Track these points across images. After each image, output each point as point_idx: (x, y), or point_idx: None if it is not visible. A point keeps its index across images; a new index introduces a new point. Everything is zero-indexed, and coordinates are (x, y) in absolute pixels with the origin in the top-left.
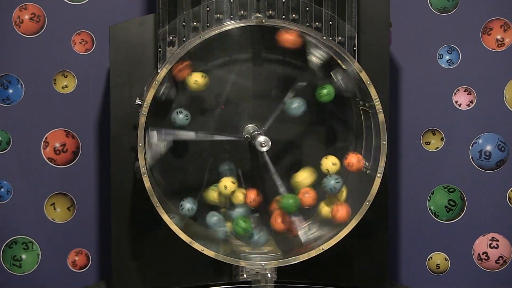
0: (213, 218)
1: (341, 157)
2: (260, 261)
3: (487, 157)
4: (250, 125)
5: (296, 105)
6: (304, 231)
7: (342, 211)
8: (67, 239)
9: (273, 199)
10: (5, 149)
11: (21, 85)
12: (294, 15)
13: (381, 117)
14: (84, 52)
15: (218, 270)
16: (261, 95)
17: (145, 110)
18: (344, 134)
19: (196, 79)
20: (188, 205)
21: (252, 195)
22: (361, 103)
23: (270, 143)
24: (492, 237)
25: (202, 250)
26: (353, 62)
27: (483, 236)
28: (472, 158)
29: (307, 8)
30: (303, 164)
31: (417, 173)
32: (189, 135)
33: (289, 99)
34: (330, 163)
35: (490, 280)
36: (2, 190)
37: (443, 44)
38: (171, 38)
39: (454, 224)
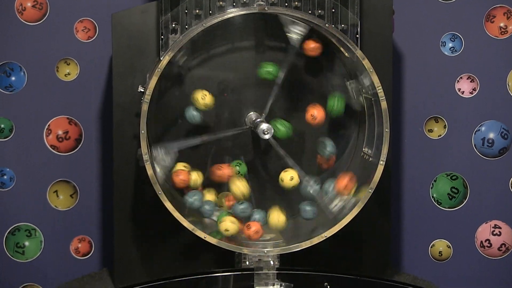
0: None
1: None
2: (263, 248)
3: (490, 145)
4: (252, 113)
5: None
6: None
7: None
8: (70, 226)
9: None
10: (8, 137)
11: (24, 72)
12: (296, 3)
13: (383, 104)
14: (87, 40)
15: (221, 257)
16: (263, 83)
17: (147, 97)
18: (347, 122)
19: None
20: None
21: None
22: (363, 90)
23: (273, 130)
24: (495, 225)
25: (204, 237)
26: (356, 49)
27: (486, 223)
28: (475, 145)
29: None
30: (305, 152)
31: (419, 160)
32: (194, 141)
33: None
34: (288, 177)
35: (492, 267)
36: (5, 177)
37: (446, 32)
38: (173, 25)
39: (456, 211)
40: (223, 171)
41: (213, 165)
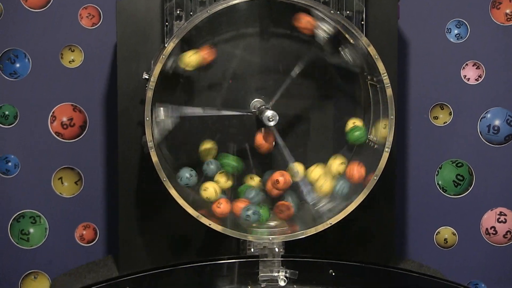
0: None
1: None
2: (268, 235)
3: (495, 132)
4: (257, 99)
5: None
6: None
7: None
8: (75, 213)
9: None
10: (12, 124)
11: (28, 59)
12: None
13: (389, 91)
14: (91, 27)
15: (226, 244)
16: (268, 70)
17: (152, 84)
18: (352, 109)
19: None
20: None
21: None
22: (369, 77)
23: (278, 118)
24: (500, 212)
25: (209, 224)
26: (361, 36)
27: (491, 210)
28: (480, 132)
29: None
30: (310, 139)
31: (425, 147)
32: (197, 111)
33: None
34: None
35: (498, 254)
36: (10, 164)
37: (451, 18)
38: (178, 12)
39: (462, 198)
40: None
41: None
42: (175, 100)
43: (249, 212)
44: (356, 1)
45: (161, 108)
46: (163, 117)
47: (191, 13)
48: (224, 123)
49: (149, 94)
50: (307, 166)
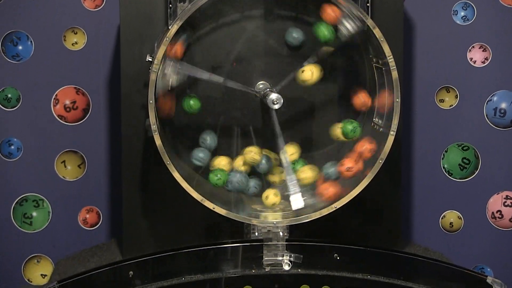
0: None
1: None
2: (272, 219)
3: (502, 115)
4: (261, 82)
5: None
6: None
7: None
8: (78, 196)
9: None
10: (15, 106)
11: (31, 41)
12: None
13: (394, 74)
14: (94, 9)
15: (229, 228)
16: (272, 53)
17: (155, 67)
18: (357, 92)
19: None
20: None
21: None
22: (374, 60)
23: (282, 101)
24: (506, 196)
25: (213, 208)
26: (366, 18)
27: (497, 194)
28: (486, 115)
29: None
30: (314, 123)
31: (431, 131)
32: (204, 75)
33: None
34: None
35: (504, 238)
36: (12, 147)
37: (458, 0)
38: None
39: (468, 182)
40: None
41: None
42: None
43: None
44: None
45: (171, 62)
46: (170, 71)
47: None
48: (227, 106)
49: (153, 76)
50: (305, 150)
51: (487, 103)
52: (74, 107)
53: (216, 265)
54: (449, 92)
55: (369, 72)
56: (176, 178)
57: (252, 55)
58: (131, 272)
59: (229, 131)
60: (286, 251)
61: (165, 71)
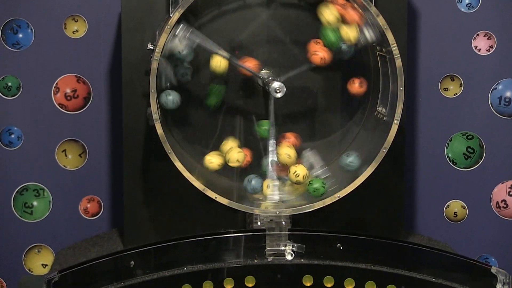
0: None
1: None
2: (275, 208)
3: (506, 103)
4: (264, 71)
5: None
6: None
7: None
8: (79, 186)
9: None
10: (15, 95)
11: (31, 29)
12: None
13: (398, 62)
14: None
15: (232, 218)
16: (275, 40)
17: (157, 55)
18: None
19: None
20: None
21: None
22: (378, 48)
23: (285, 89)
24: (511, 185)
25: (215, 197)
26: (370, 6)
27: (502, 183)
28: (491, 104)
29: None
30: (318, 110)
31: (435, 119)
32: (213, 47)
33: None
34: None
35: (508, 228)
36: (13, 136)
37: None
38: None
39: (472, 171)
40: None
41: None
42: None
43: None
44: None
45: (184, 26)
46: (180, 35)
47: None
48: (230, 95)
49: (154, 65)
50: (307, 139)
51: (491, 91)
52: (75, 96)
53: (218, 255)
54: (454, 80)
55: (372, 60)
56: (178, 168)
57: (255, 44)
58: (132, 262)
59: (231, 120)
60: (288, 241)
61: (175, 33)
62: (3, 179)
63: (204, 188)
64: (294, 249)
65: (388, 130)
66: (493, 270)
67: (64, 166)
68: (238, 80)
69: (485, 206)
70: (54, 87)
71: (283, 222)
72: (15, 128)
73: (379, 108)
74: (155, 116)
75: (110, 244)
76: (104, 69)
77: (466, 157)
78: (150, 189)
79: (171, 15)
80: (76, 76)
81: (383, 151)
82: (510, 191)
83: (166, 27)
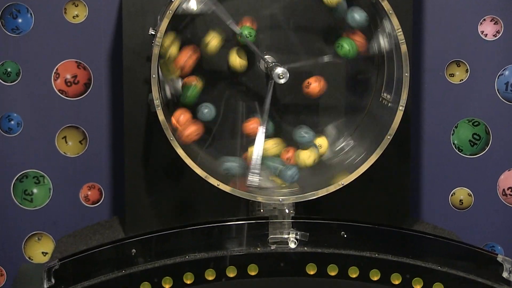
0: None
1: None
2: (278, 196)
3: None
4: (267, 56)
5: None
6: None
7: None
8: (79, 173)
9: None
10: (15, 81)
11: (31, 14)
12: None
13: (403, 48)
14: None
15: (234, 205)
16: (278, 26)
17: (158, 40)
18: (365, 66)
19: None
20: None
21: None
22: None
23: (288, 75)
24: None
25: (218, 185)
26: None
27: (508, 171)
28: (498, 90)
29: None
30: (321, 97)
31: (440, 106)
32: (226, 18)
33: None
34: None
35: None
36: (12, 122)
37: None
38: None
39: (478, 158)
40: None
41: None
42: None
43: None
44: None
45: None
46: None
47: None
48: (232, 81)
49: (156, 50)
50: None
51: (498, 77)
52: (75, 82)
53: (221, 243)
54: (460, 66)
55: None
56: (180, 155)
57: (258, 29)
58: (133, 250)
59: (233, 106)
60: (292, 228)
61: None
62: (2, 166)
63: (206, 175)
64: (298, 237)
65: (393, 117)
66: (499, 258)
67: (64, 153)
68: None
69: (491, 194)
70: (54, 73)
71: (286, 210)
72: (15, 115)
73: (384, 94)
74: (157, 102)
75: (111, 232)
76: (105, 54)
77: (472, 144)
78: (151, 176)
79: (172, 0)
80: (76, 61)
81: (388, 138)
82: None
83: (168, 12)
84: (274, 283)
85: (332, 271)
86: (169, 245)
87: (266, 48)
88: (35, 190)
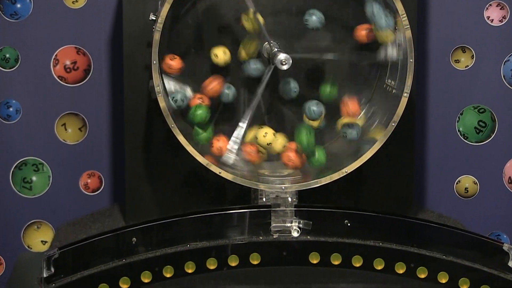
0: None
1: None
2: (280, 184)
3: None
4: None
5: None
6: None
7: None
8: (79, 160)
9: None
10: (14, 67)
11: None
12: None
13: (408, 33)
14: None
15: (236, 193)
16: (280, 13)
17: (159, 26)
18: (369, 52)
19: (216, 54)
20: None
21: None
22: None
23: (291, 61)
24: None
25: (219, 172)
26: None
27: None
28: (504, 76)
29: None
30: (324, 82)
31: (445, 92)
32: None
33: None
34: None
35: None
36: (11, 109)
37: None
38: None
39: (484, 146)
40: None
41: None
42: (183, 42)
43: None
44: None
45: None
46: None
47: None
48: (235, 68)
49: (156, 36)
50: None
51: (504, 63)
52: (75, 68)
53: (222, 231)
54: (465, 52)
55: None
56: (181, 142)
57: (262, 14)
58: (134, 239)
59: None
60: (294, 217)
61: None
62: (1, 153)
63: (208, 163)
64: (300, 225)
65: (397, 104)
66: (505, 247)
67: (63, 140)
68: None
69: (497, 182)
70: (54, 59)
71: (289, 198)
72: (14, 101)
73: (388, 81)
74: (158, 89)
75: (111, 220)
76: (105, 40)
77: (477, 131)
78: (152, 164)
79: None
80: (76, 47)
81: (392, 125)
82: None
83: None
84: (276, 272)
85: (336, 260)
86: (170, 233)
87: (270, 33)
88: (34, 178)
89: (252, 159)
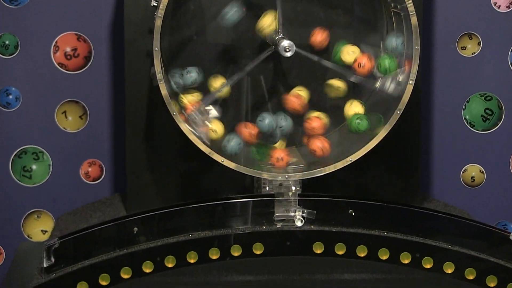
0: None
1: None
2: (284, 173)
3: None
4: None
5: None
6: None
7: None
8: (80, 149)
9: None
10: (13, 54)
11: None
12: None
13: (413, 20)
14: None
15: (239, 182)
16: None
17: (161, 12)
18: (374, 39)
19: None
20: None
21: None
22: (392, 5)
23: (295, 48)
24: None
25: (222, 161)
26: None
27: None
28: (511, 64)
29: None
30: (328, 73)
31: (451, 80)
32: None
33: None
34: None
35: None
36: (11, 97)
37: None
38: None
39: (490, 134)
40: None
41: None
42: (185, 29)
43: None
44: None
45: None
46: None
47: None
48: (237, 54)
49: (158, 22)
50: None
51: (511, 50)
52: (75, 55)
53: (225, 221)
54: (472, 39)
55: (387, 18)
56: (183, 130)
57: (263, 2)
58: (135, 228)
59: (238, 82)
60: (298, 206)
61: None
62: (1, 141)
63: (211, 152)
64: (304, 215)
65: (402, 91)
66: None
67: (64, 128)
68: (244, 38)
69: (504, 171)
70: (54, 45)
71: (293, 187)
72: (13, 89)
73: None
74: (159, 76)
75: (112, 210)
76: (106, 26)
77: (484, 119)
78: (153, 152)
79: None
80: (76, 34)
81: (398, 112)
82: None
83: None
84: (279, 262)
85: (340, 250)
86: (172, 223)
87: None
88: (34, 167)
89: (250, 140)
